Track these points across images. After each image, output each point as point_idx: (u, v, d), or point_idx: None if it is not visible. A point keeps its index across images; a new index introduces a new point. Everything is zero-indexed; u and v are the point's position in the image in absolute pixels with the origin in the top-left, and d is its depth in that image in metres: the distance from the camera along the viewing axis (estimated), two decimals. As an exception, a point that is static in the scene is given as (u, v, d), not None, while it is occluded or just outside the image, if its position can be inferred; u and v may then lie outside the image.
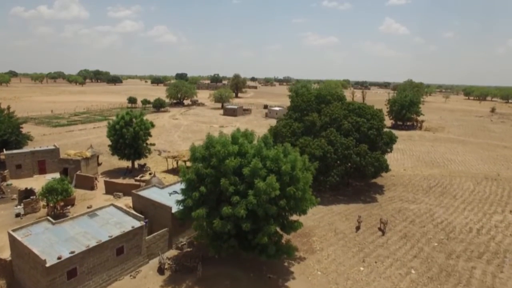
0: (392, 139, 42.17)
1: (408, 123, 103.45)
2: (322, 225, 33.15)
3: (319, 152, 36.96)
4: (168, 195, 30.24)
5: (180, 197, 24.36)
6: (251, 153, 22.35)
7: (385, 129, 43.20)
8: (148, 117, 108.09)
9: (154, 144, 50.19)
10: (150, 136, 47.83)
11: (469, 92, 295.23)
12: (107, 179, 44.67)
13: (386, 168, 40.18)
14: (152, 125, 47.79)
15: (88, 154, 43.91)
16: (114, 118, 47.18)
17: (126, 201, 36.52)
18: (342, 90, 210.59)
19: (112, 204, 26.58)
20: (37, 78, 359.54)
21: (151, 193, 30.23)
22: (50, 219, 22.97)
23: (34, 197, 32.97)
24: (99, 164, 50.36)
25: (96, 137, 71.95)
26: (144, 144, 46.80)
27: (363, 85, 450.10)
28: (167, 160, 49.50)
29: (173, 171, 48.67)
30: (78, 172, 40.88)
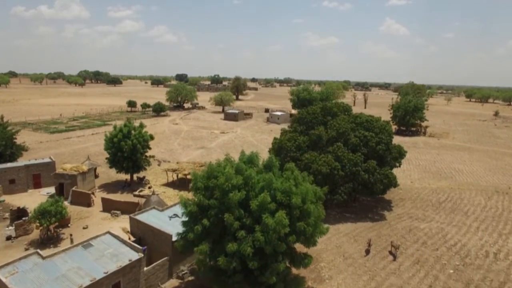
0: (401, 154, 40.52)
1: (412, 129, 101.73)
2: (330, 248, 31.50)
3: (326, 169, 35.31)
4: (168, 218, 28.60)
5: (180, 221, 22.76)
6: (260, 185, 20.64)
7: (394, 143, 41.46)
8: (148, 121, 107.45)
9: (153, 157, 48.53)
10: (149, 148, 46.17)
11: (470, 94, 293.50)
12: (105, 193, 43.11)
13: (395, 184, 38.52)
14: (152, 137, 46.13)
15: (85, 168, 42.21)
16: (112, 128, 45.45)
17: (124, 220, 34.94)
18: (343, 92, 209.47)
19: (109, 232, 24.91)
20: (37, 79, 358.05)
21: (150, 217, 28.55)
22: (40, 253, 21.29)
23: (27, 218, 31.29)
24: (96, 177, 48.70)
25: (94, 145, 70.31)
26: (143, 157, 45.17)
27: (364, 86, 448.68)
28: (167, 172, 47.82)
29: (173, 184, 47.06)
30: (74, 188, 39.21)
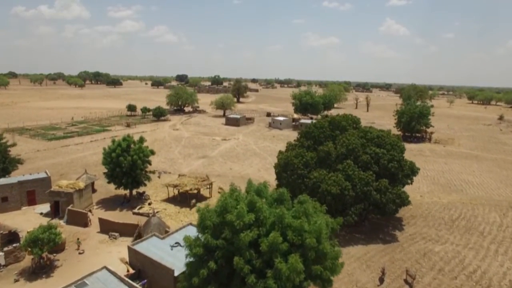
0: (414, 171, 38.55)
1: (417, 135, 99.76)
2: (342, 277, 29.50)
3: (336, 189, 33.39)
4: (170, 248, 26.69)
5: (183, 250, 20.88)
6: (270, 220, 18.74)
7: (406, 159, 39.43)
8: (148, 126, 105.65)
9: (154, 172, 46.52)
10: (150, 164, 44.25)
11: (472, 96, 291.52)
12: (103, 210, 41.32)
13: (407, 204, 36.61)
14: (152, 152, 44.16)
15: (82, 184, 40.26)
16: (111, 137, 43.57)
17: (123, 244, 33.08)
18: (345, 95, 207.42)
19: (105, 268, 22.99)
20: (36, 80, 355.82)
21: (150, 247, 26.64)
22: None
23: (18, 244, 29.38)
24: (94, 191, 46.81)
25: (92, 154, 68.33)
26: (143, 172, 43.23)
27: (365, 88, 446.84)
28: (167, 188, 45.85)
29: (174, 200, 45.11)
30: (70, 207, 37.28)
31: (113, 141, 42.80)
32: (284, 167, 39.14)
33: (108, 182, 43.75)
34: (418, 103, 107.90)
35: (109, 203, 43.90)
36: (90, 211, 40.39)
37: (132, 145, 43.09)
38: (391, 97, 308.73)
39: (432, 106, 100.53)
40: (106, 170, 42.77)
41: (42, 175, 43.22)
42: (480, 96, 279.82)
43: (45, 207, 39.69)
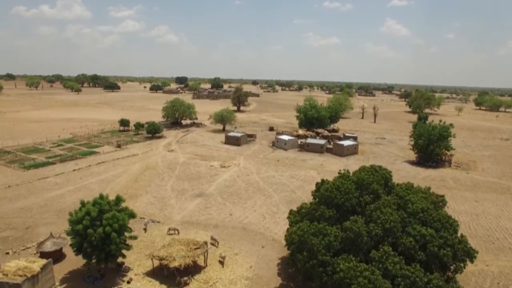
0: (470, 255, 29.55)
1: (436, 157, 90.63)
2: None
3: (373, 295, 24.48)
4: None
5: None
6: None
7: (459, 239, 30.39)
8: (141, 146, 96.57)
9: (136, 237, 37.36)
10: (130, 231, 35.25)
11: (480, 102, 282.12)
12: (67, 296, 32.36)
13: (464, 303, 27.74)
14: (133, 216, 35.28)
15: (37, 268, 31.14)
16: (78, 208, 34.42)
17: None
18: (351, 103, 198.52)
19: None
20: (32, 83, 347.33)
21: None
22: None
23: None
24: (63, 257, 38.02)
25: (72, 191, 59.50)
26: (120, 243, 34.25)
27: (368, 91, 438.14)
28: (152, 259, 36.81)
29: (160, 274, 35.94)
30: (18, 304, 28.41)
31: (82, 204, 33.92)
32: (299, 247, 30.22)
33: (76, 255, 34.86)
34: (434, 121, 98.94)
35: (78, 280, 34.84)
36: (50, 298, 31.57)
37: (106, 207, 34.18)
38: (396, 103, 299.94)
39: (452, 125, 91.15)
40: (72, 245, 33.76)
41: (-9, 248, 34.31)
42: (488, 102, 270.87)
43: (-10, 297, 30.77)
